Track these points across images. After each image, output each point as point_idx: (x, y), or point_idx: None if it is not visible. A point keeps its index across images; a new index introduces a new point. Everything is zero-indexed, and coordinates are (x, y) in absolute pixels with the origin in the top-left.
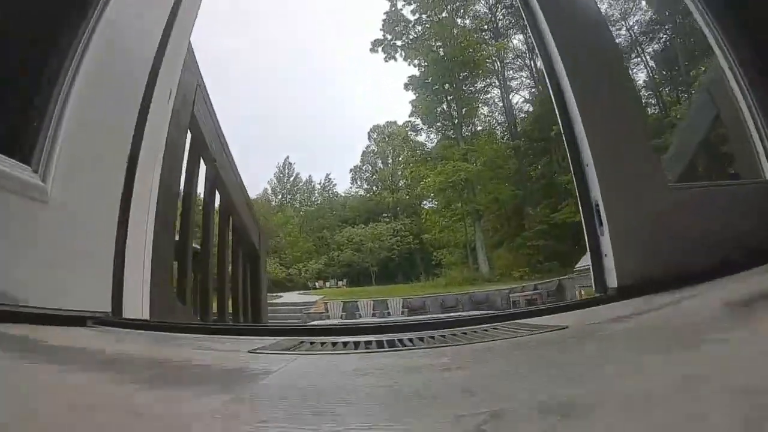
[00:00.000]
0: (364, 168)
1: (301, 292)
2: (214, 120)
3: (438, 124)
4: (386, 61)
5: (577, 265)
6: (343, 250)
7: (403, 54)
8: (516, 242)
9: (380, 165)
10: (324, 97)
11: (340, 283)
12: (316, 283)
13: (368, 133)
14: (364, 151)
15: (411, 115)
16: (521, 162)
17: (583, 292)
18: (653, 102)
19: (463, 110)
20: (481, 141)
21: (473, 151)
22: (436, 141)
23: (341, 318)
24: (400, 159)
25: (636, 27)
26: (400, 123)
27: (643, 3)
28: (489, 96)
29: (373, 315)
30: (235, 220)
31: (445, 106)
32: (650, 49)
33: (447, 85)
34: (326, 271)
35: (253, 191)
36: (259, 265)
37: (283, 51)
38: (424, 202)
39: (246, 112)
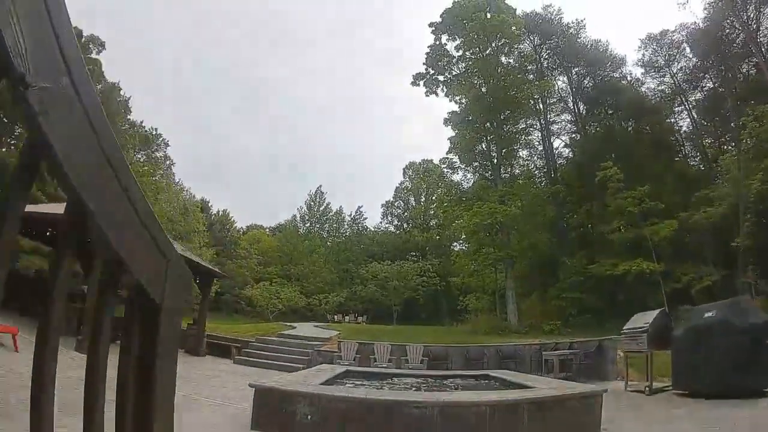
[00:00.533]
0: (396, 204)
1: (318, 324)
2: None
3: (476, 163)
4: (427, 95)
5: (625, 327)
6: (366, 285)
7: (445, 90)
8: (549, 293)
9: (413, 202)
10: (362, 129)
11: (360, 318)
12: (335, 317)
13: (403, 169)
14: (397, 187)
15: (449, 152)
16: (559, 209)
17: (625, 356)
18: (696, 153)
19: (503, 151)
20: (519, 184)
21: (511, 194)
22: (472, 181)
23: (354, 360)
24: (434, 198)
25: (680, 74)
26: (436, 161)
27: (687, 50)
28: (529, 138)
29: (389, 361)
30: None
31: (484, 146)
32: (693, 98)
33: (487, 123)
34: (347, 304)
35: (282, 216)
36: (161, 330)
37: (324, 80)
38: (455, 243)
39: (283, 140)
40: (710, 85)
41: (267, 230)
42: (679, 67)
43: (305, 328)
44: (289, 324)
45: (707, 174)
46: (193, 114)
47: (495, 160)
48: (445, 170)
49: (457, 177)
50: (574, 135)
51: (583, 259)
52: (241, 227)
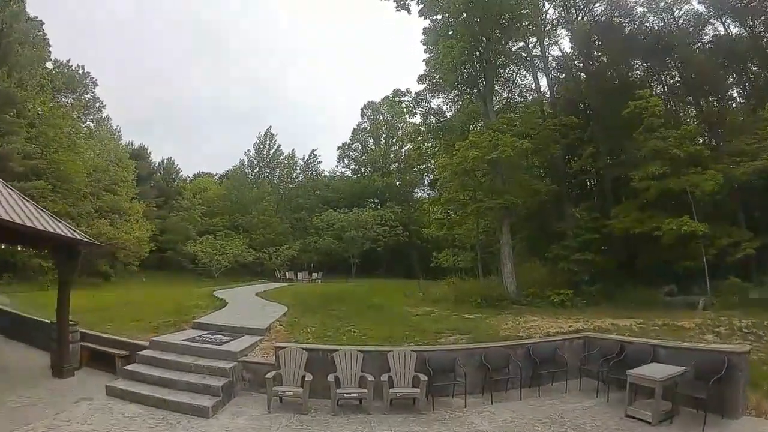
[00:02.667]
0: (353, 146)
1: (262, 293)
2: None
3: (456, 91)
4: (398, 10)
5: None
6: (321, 236)
7: (421, 4)
8: (552, 253)
9: (371, 145)
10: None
11: (315, 276)
12: (287, 273)
13: (362, 109)
14: (354, 129)
15: (421, 81)
16: (563, 149)
17: None
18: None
19: (498, 73)
20: (527, 113)
21: (512, 125)
22: (453, 111)
23: (301, 385)
24: (400, 134)
25: None
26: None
27: None
28: (525, 61)
29: (361, 386)
30: None
31: (469, 68)
32: None
33: (476, 39)
34: (300, 258)
35: (230, 162)
36: None
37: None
38: (416, 189)
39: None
40: None
41: (216, 178)
42: None
43: (239, 305)
44: (220, 299)
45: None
46: (141, 57)
47: (483, 86)
48: (417, 100)
49: (433, 106)
50: (577, 63)
51: (590, 210)
52: (187, 176)
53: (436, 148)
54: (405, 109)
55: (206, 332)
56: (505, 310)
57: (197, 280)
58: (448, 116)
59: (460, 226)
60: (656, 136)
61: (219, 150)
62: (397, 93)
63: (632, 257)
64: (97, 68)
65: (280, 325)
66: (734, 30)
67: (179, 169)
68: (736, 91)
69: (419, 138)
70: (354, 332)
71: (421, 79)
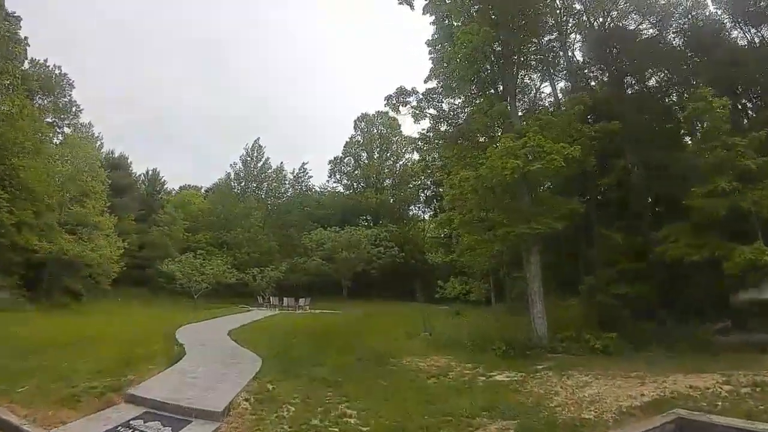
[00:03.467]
0: (345, 160)
1: (243, 312)
2: None
3: (473, 89)
4: (400, 3)
5: None
6: (310, 256)
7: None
8: (587, 284)
9: (365, 158)
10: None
11: (302, 301)
12: (271, 298)
13: (355, 121)
14: (347, 142)
15: (427, 80)
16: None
17: None
18: None
19: (521, 75)
20: (563, 116)
21: (549, 129)
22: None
23: None
24: (389, 153)
25: None
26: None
27: None
28: (546, 61)
29: None
30: None
31: (487, 66)
32: None
33: (495, 28)
34: (288, 279)
35: (216, 175)
36: None
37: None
38: (412, 206)
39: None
40: None
41: (202, 191)
42: None
43: (201, 356)
44: (180, 344)
45: None
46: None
47: (503, 85)
48: (435, 95)
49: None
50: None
51: (633, 234)
52: (173, 188)
53: (446, 159)
54: (412, 112)
55: (138, 415)
56: (540, 362)
57: (175, 301)
58: (462, 121)
59: (473, 251)
60: (719, 145)
61: (213, 162)
62: (402, 92)
63: (676, 289)
64: (92, 75)
65: (247, 400)
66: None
67: (164, 181)
68: None
69: (425, 147)
70: (350, 420)
71: (430, 77)
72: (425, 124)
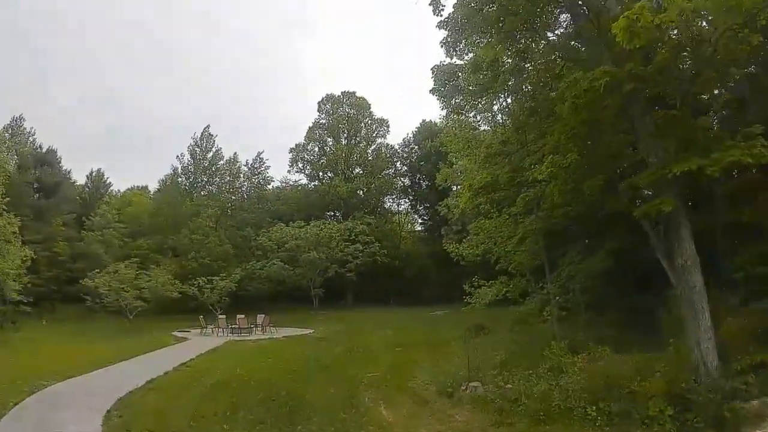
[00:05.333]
0: (308, 148)
1: (174, 346)
2: None
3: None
4: None
5: None
6: (270, 259)
7: None
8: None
9: (331, 144)
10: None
11: (261, 320)
12: (218, 317)
13: (319, 103)
14: (311, 127)
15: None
16: None
17: None
18: None
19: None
20: None
21: None
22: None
23: None
24: (358, 138)
25: None
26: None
27: None
28: None
29: None
30: None
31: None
32: None
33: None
34: (245, 289)
35: (161, 171)
36: None
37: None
38: (388, 197)
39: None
40: None
41: (151, 191)
42: None
43: None
44: None
45: None
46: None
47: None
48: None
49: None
50: None
51: None
52: (118, 190)
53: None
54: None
55: None
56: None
57: (105, 324)
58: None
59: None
60: None
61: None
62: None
63: None
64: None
65: None
66: None
67: (110, 182)
68: None
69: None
70: None
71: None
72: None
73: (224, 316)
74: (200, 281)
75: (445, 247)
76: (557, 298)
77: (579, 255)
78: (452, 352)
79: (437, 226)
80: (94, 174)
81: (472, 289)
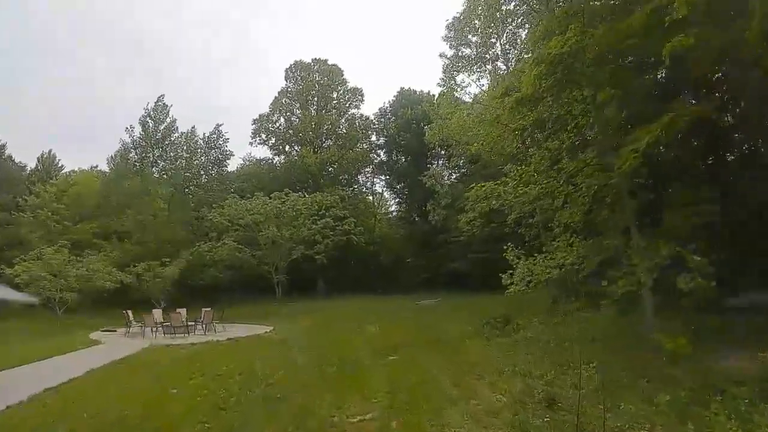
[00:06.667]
0: (274, 118)
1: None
2: None
3: None
4: None
5: None
6: (222, 239)
7: None
8: None
9: (298, 113)
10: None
11: (204, 314)
12: (154, 312)
13: (286, 70)
14: (276, 97)
15: None
16: None
17: None
18: None
19: None
20: None
21: None
22: None
23: None
24: (329, 108)
25: None
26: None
27: None
28: None
29: None
30: None
31: None
32: None
33: None
34: (198, 278)
35: (111, 147)
36: None
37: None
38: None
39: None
40: None
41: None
42: None
43: None
44: None
45: None
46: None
47: None
48: None
49: None
50: None
51: None
52: (69, 171)
53: None
54: None
55: None
56: None
57: (29, 321)
58: None
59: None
60: None
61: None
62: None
63: None
64: None
65: None
66: None
67: (61, 165)
68: None
69: None
70: None
71: None
72: None
73: (160, 310)
74: (137, 268)
75: (434, 223)
76: (654, 275)
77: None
78: (475, 361)
79: (418, 205)
80: (44, 156)
81: (517, 260)
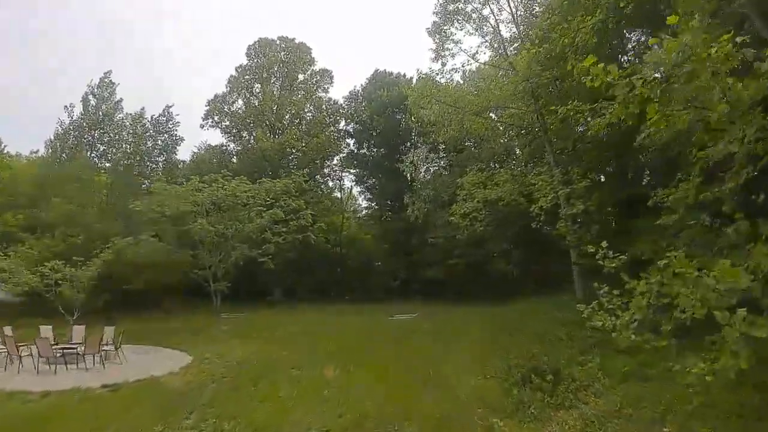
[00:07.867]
0: (230, 99)
1: None
2: None
3: None
4: None
5: None
6: (142, 233)
7: None
8: None
9: (257, 91)
10: None
11: (107, 335)
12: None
13: (249, 47)
14: (233, 76)
15: None
16: None
17: None
18: None
19: None
20: None
21: None
22: None
23: None
24: (294, 88)
25: None
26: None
27: None
28: None
29: None
30: None
31: None
32: None
33: None
34: (123, 283)
35: (46, 130)
36: None
37: None
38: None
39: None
40: None
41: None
42: None
43: None
44: None
45: None
46: None
47: None
48: None
49: None
50: None
51: None
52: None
53: None
54: None
55: None
56: None
57: None
58: None
59: None
60: None
61: None
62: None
63: None
64: None
65: None
66: None
67: (6, 150)
68: None
69: None
70: None
71: None
72: None
73: (50, 327)
74: (45, 269)
75: (413, 219)
76: None
77: None
78: None
79: (391, 201)
80: None
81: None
